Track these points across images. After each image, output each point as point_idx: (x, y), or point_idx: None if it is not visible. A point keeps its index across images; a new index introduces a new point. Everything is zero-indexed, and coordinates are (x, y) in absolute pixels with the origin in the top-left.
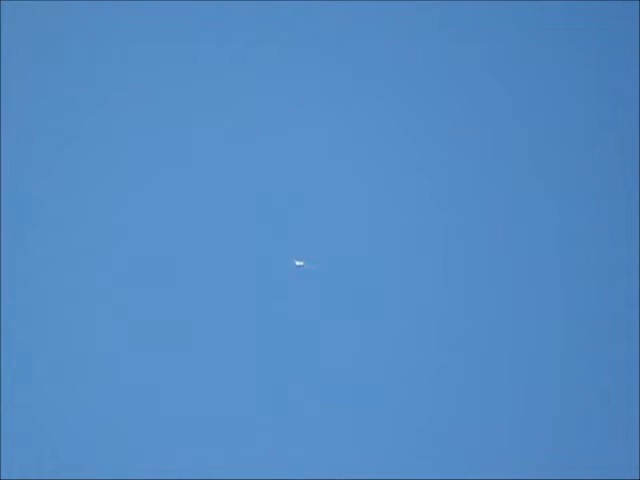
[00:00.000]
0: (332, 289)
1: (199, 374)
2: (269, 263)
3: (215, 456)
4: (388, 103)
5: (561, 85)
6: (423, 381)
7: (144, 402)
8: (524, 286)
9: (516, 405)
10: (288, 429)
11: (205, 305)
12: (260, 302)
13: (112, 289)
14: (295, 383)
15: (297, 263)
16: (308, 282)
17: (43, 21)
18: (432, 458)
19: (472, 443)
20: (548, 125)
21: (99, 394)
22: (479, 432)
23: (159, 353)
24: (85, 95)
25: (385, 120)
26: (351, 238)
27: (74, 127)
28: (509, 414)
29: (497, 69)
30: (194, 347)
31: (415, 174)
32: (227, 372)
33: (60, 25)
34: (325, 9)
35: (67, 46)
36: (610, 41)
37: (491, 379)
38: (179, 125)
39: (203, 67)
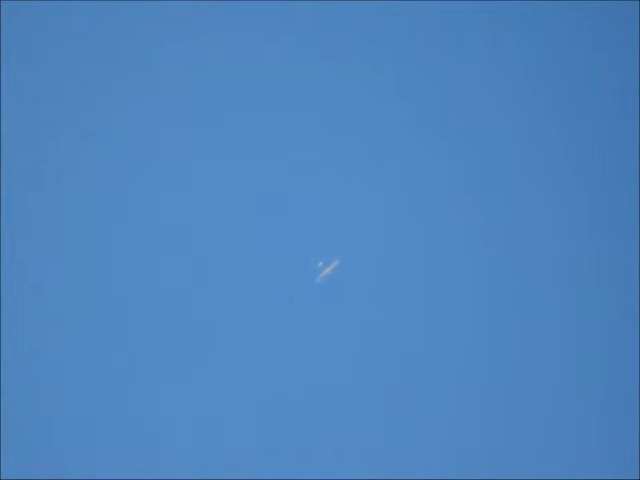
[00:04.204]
0: (336, 293)
1: (200, 379)
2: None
3: (215, 459)
4: (391, 105)
5: (560, 85)
6: (426, 382)
7: (145, 403)
8: (525, 288)
9: (515, 405)
10: (288, 433)
11: (206, 309)
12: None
13: (115, 292)
14: (296, 386)
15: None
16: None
17: (43, 21)
18: (433, 459)
19: (471, 443)
20: (548, 126)
21: (100, 395)
22: (478, 432)
23: (161, 355)
24: (86, 96)
25: (392, 123)
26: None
27: (74, 127)
28: (509, 414)
29: (495, 70)
30: (195, 351)
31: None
32: (228, 377)
33: (60, 25)
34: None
35: (67, 47)
36: (610, 41)
37: (491, 379)
38: (181, 126)
39: (205, 67)
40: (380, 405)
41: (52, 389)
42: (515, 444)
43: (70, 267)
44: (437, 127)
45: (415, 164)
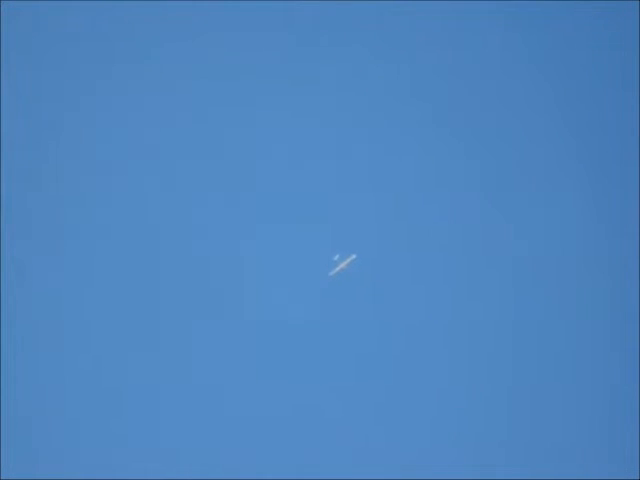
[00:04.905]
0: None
1: (201, 375)
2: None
3: (216, 459)
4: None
5: (560, 86)
6: (428, 382)
7: (145, 403)
8: (525, 287)
9: (517, 405)
10: (290, 429)
11: (207, 306)
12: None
13: (116, 290)
14: (299, 383)
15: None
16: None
17: (43, 21)
18: (434, 458)
19: (471, 443)
20: (547, 126)
21: (100, 394)
22: (479, 432)
23: (162, 354)
24: (86, 96)
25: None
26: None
27: (74, 127)
28: (509, 414)
29: (495, 70)
30: (196, 348)
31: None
32: (231, 373)
33: (60, 25)
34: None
35: (67, 47)
36: (610, 41)
37: (491, 379)
38: (183, 126)
39: (204, 65)
40: (387, 403)
41: (52, 389)
42: (516, 444)
43: (70, 266)
44: (443, 126)
45: (421, 162)
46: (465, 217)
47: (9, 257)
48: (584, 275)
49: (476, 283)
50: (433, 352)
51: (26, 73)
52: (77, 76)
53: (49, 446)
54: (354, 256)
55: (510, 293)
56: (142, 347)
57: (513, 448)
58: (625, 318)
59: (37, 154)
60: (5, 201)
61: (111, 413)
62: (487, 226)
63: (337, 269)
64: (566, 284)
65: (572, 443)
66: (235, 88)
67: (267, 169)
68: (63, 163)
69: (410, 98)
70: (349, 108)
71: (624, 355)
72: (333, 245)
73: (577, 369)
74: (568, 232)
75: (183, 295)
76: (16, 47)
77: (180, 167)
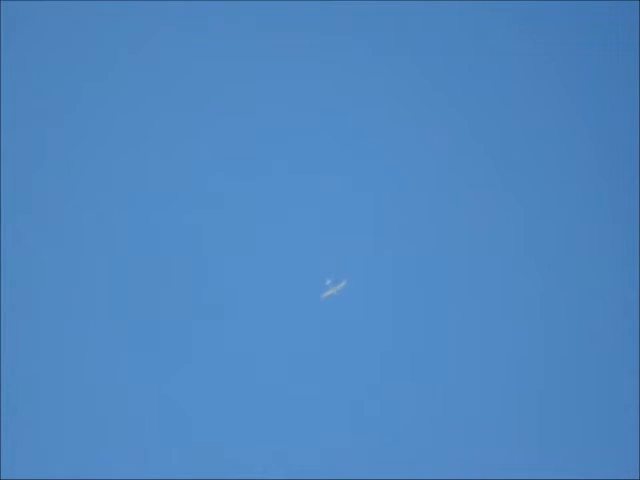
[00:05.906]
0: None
1: (201, 377)
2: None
3: (216, 459)
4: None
5: (560, 86)
6: (427, 381)
7: (145, 403)
8: (526, 286)
9: (518, 406)
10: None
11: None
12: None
13: (114, 290)
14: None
15: (329, 291)
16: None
17: (43, 21)
18: (435, 457)
19: (473, 443)
20: (547, 126)
21: (99, 395)
22: (478, 433)
23: (162, 354)
24: (85, 95)
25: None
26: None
27: (74, 126)
28: (511, 415)
29: (496, 70)
30: (197, 349)
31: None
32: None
33: (60, 25)
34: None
35: (67, 46)
36: (610, 41)
37: (493, 380)
38: (183, 126)
39: (204, 63)
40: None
41: (52, 390)
42: (516, 444)
43: (70, 265)
44: (442, 127)
45: (421, 170)
46: (466, 219)
47: (9, 257)
48: (586, 274)
49: (476, 287)
50: (436, 360)
51: (26, 73)
52: (76, 76)
53: (49, 446)
54: (344, 283)
55: (513, 305)
56: (141, 348)
57: (514, 448)
58: (626, 317)
59: (36, 154)
60: (5, 202)
61: (111, 414)
62: (488, 228)
63: (327, 293)
64: (570, 285)
65: (573, 443)
66: (235, 88)
67: (264, 185)
68: (62, 163)
69: (412, 100)
70: (350, 116)
71: (625, 355)
72: (327, 267)
73: (577, 370)
74: (572, 230)
75: (179, 303)
76: (16, 47)
77: (181, 168)
